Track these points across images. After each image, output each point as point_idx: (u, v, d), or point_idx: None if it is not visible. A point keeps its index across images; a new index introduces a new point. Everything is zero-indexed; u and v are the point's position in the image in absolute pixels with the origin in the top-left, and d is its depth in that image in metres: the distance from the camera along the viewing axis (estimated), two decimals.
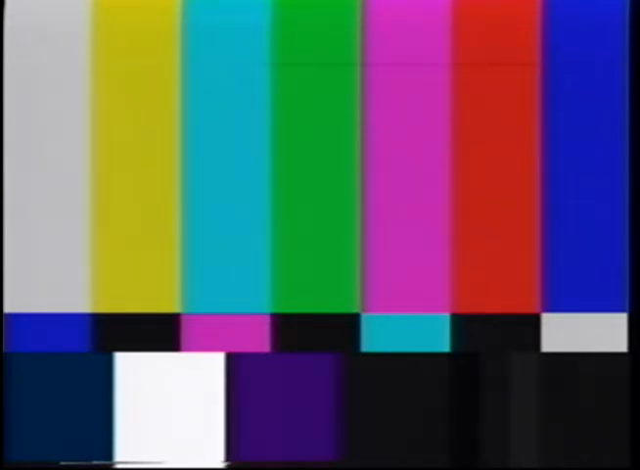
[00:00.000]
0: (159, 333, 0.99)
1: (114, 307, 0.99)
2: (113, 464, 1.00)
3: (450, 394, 0.99)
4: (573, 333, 0.99)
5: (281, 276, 0.99)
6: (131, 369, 0.99)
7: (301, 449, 1.00)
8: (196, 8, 0.99)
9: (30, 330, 0.99)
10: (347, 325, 0.99)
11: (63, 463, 1.00)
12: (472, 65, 0.99)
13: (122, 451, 1.00)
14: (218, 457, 1.00)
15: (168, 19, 0.99)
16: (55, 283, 0.99)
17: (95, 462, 0.99)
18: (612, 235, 0.99)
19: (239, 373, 0.99)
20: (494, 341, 0.99)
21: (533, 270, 0.99)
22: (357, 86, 0.99)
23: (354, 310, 0.99)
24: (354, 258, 0.99)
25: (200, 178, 0.99)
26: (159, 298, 0.99)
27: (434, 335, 0.99)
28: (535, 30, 0.99)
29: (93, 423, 0.99)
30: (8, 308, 0.99)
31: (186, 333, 0.99)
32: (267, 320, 0.99)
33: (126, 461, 1.00)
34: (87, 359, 0.99)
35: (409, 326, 0.99)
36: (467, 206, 0.99)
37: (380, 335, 0.99)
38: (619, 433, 0.99)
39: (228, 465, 1.00)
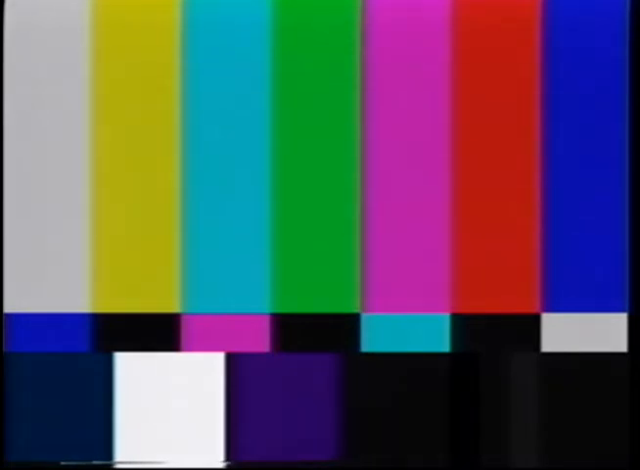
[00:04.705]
0: (159, 333, 0.99)
1: (114, 307, 0.99)
2: (113, 464, 1.00)
3: (450, 394, 0.99)
4: (573, 333, 0.99)
5: (281, 276, 0.99)
6: (131, 369, 0.99)
7: (301, 449, 1.00)
8: (196, 6, 0.99)
9: (30, 330, 0.99)
10: (347, 325, 0.99)
11: (63, 463, 1.00)
12: (471, 64, 0.99)
13: (122, 451, 1.00)
14: (218, 457, 1.00)
15: (168, 17, 0.99)
16: (55, 283, 0.99)
17: (95, 462, 0.99)
18: (611, 235, 0.99)
19: (239, 373, 0.99)
20: (494, 341, 0.99)
21: (533, 270, 0.99)
22: (357, 85, 0.99)
23: (354, 310, 0.99)
24: (354, 257, 0.99)
25: (200, 178, 0.99)
26: (159, 298, 0.99)
27: (434, 335, 0.99)
28: (536, 30, 0.99)
29: (93, 423, 0.99)
30: (8, 308, 0.99)
31: (186, 333, 0.99)
32: (267, 320, 0.99)
33: (126, 461, 1.00)
34: (87, 359, 0.99)
35: (409, 326, 0.99)
36: (467, 206, 0.99)
37: (380, 335, 0.99)
38: (619, 433, 0.99)
39: (228, 465, 1.00)
